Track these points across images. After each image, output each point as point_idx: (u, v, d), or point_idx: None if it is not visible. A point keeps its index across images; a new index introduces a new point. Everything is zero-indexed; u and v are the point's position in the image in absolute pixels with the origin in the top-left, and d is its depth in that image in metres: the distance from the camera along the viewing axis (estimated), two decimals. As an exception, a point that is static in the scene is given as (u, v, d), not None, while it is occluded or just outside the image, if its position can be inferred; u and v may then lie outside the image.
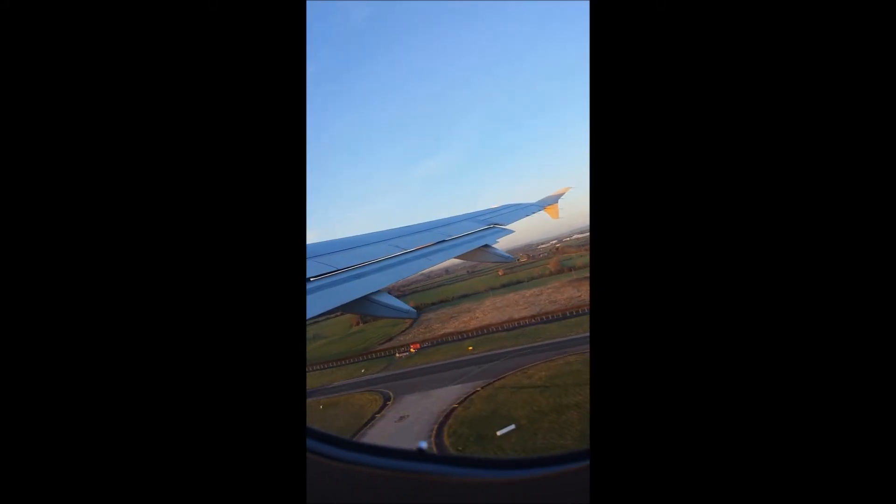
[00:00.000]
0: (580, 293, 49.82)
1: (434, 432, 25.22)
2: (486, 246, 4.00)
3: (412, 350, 47.05)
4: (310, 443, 0.93)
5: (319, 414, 33.06)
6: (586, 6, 0.94)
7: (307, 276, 2.40)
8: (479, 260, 4.04)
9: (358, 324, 65.38)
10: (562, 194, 6.65)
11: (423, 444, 1.01)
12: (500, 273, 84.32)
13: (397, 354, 47.22)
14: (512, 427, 23.35)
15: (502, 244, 4.28)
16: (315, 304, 2.14)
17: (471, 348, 42.22)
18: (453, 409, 28.00)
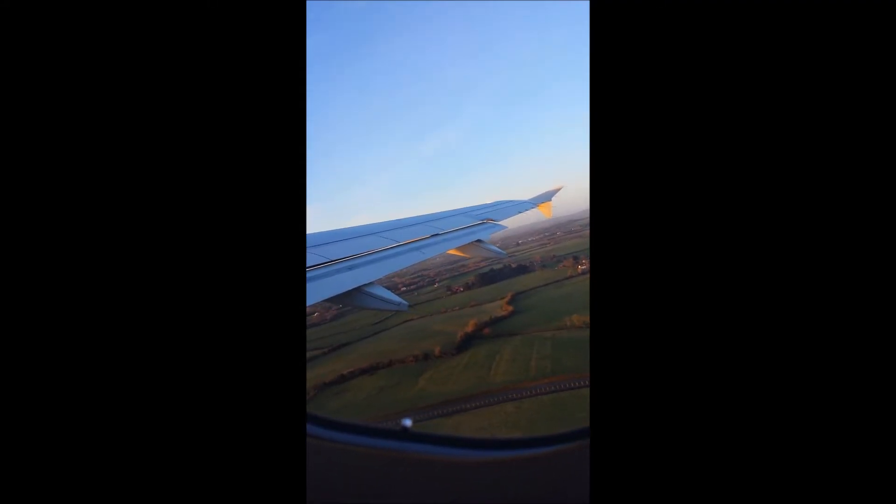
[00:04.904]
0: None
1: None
2: (479, 241, 4.02)
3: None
4: None
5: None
6: (586, 6, 0.94)
7: (300, 266, 2.40)
8: (472, 254, 4.06)
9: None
10: (555, 192, 6.66)
11: (408, 422, 0.93)
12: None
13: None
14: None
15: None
16: (308, 295, 2.15)
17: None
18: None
